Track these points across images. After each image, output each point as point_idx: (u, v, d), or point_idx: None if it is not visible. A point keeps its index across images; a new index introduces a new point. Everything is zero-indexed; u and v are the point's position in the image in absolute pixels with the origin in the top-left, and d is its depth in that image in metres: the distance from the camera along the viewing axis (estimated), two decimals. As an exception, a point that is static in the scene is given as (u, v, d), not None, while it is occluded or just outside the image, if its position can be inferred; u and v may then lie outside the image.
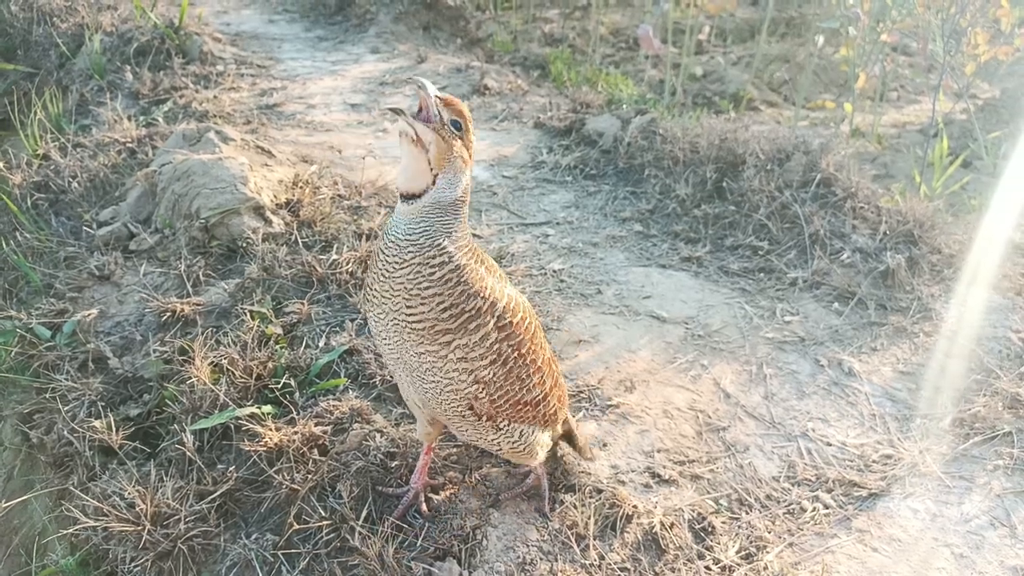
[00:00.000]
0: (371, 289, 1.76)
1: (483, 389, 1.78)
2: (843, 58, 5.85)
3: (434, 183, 1.66)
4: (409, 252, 1.66)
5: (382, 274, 1.70)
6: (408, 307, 1.68)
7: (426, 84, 1.62)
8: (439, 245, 1.66)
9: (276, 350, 2.71)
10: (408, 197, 1.67)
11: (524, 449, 1.99)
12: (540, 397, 1.91)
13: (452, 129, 1.65)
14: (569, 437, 2.25)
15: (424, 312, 1.67)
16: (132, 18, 6.20)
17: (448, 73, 6.06)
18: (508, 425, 1.90)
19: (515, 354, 1.80)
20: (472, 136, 1.71)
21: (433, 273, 1.66)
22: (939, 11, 4.55)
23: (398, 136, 1.65)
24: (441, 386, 1.77)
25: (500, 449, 1.98)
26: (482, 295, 1.71)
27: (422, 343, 1.71)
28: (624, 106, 5.14)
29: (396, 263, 1.67)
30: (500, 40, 7.50)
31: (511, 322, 1.77)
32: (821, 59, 6.82)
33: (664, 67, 6.72)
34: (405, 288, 1.67)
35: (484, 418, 1.85)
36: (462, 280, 1.68)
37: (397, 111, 1.62)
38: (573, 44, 7.62)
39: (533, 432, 1.98)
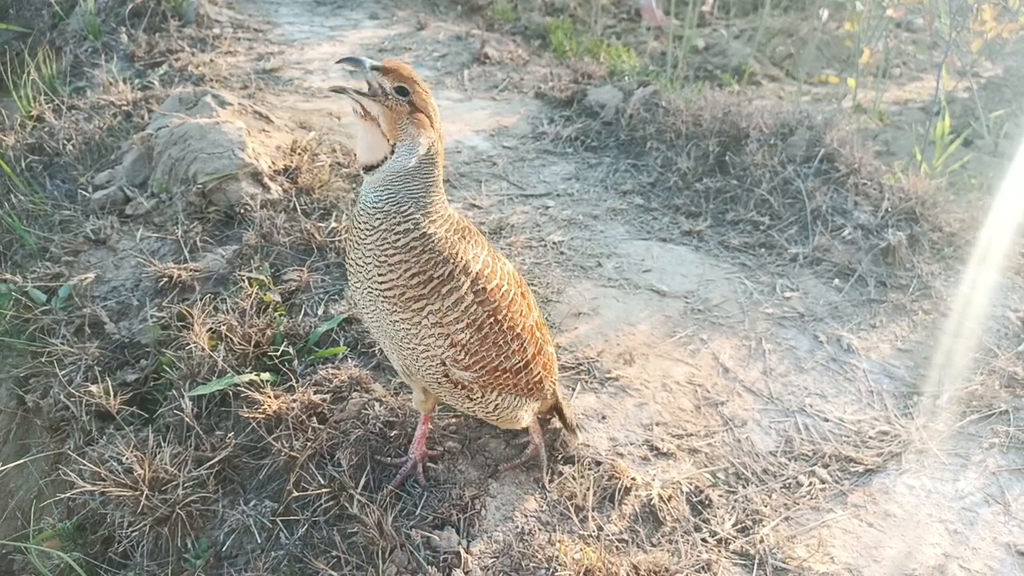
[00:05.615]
0: (349, 257, 1.79)
1: (459, 352, 1.78)
2: (847, 33, 5.78)
3: (392, 151, 1.67)
4: (377, 219, 1.68)
5: (356, 241, 1.73)
6: (379, 275, 1.71)
7: (361, 60, 1.63)
8: (404, 212, 1.68)
9: (275, 317, 2.69)
10: (369, 168, 1.70)
11: (498, 417, 2.00)
12: (520, 364, 1.92)
13: (398, 96, 1.65)
14: (558, 410, 2.25)
15: (393, 279, 1.70)
16: (126, -22, 6.08)
17: (448, 41, 5.98)
18: (483, 396, 1.91)
19: (490, 320, 1.80)
20: (427, 96, 1.69)
21: (398, 240, 1.68)
22: (946, -13, 4.50)
23: (351, 113, 1.66)
24: (418, 352, 1.79)
25: (477, 415, 2.00)
26: (452, 260, 1.72)
27: (395, 311, 1.74)
28: (626, 78, 5.08)
29: (366, 230, 1.70)
30: (500, 8, 7.40)
31: (484, 288, 1.78)
32: (824, 34, 6.75)
33: (666, 39, 6.64)
34: (375, 255, 1.70)
35: (458, 387, 1.86)
36: (428, 248, 1.69)
37: (339, 89, 1.64)
38: (574, 14, 7.52)
39: (512, 402, 1.98)
